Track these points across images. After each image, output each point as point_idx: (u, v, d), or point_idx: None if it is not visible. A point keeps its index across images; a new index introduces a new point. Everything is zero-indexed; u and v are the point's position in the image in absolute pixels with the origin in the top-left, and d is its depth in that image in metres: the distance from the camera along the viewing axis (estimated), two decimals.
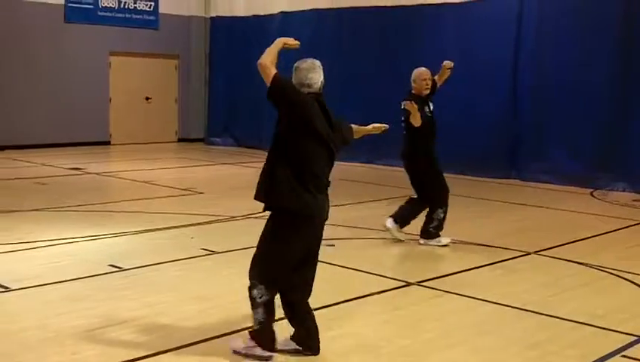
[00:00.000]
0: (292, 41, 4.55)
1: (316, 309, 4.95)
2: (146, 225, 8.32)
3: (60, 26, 16.94)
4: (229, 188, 11.45)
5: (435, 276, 6.57)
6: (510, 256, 7.38)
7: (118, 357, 4.49)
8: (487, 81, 13.47)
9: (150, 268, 6.60)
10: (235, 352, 4.55)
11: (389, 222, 7.85)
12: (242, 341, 4.59)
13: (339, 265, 6.75)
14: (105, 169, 13.78)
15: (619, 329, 5.19)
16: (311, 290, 4.61)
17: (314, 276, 4.63)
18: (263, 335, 4.50)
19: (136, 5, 18.18)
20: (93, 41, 17.39)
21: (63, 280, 6.11)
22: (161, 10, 18.57)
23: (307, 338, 4.56)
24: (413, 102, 7.26)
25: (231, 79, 18.17)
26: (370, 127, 5.21)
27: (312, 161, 4.41)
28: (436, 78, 7.88)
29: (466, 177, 12.82)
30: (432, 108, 7.69)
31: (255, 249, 4.57)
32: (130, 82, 18.24)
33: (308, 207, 4.40)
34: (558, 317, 5.44)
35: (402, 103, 7.31)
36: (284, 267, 4.48)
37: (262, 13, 17.75)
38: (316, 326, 4.59)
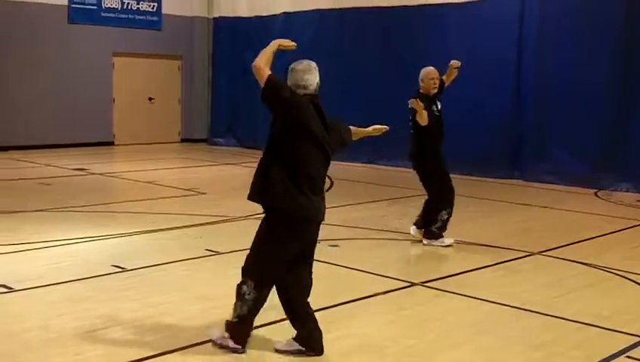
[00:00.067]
0: (287, 43, 4.56)
1: (320, 310, 4.95)
2: (150, 226, 8.32)
3: (64, 27, 16.96)
4: (232, 189, 11.43)
5: (438, 276, 6.56)
6: (514, 257, 7.37)
7: (122, 357, 4.48)
8: (490, 81, 13.45)
9: (154, 268, 6.60)
10: (211, 341, 4.65)
11: (413, 230, 7.88)
12: (218, 329, 4.67)
13: (342, 266, 6.74)
14: (108, 169, 13.79)
15: (624, 330, 5.17)
16: (309, 290, 4.61)
17: (310, 276, 4.62)
18: (238, 329, 4.55)
19: (140, 6, 18.20)
20: (97, 41, 17.41)
21: (66, 280, 6.11)
22: (164, 10, 18.58)
23: (310, 339, 4.55)
24: (418, 100, 7.24)
25: (234, 80, 18.16)
26: (370, 128, 5.20)
27: (307, 163, 4.41)
28: (444, 77, 7.86)
29: (469, 177, 12.80)
30: (439, 107, 7.67)
31: (250, 247, 4.59)
32: (134, 83, 18.26)
33: (302, 209, 4.39)
34: (562, 318, 5.42)
35: (409, 102, 7.28)
36: (276, 267, 4.50)
37: (264, 14, 17.76)
38: (318, 327, 4.58)
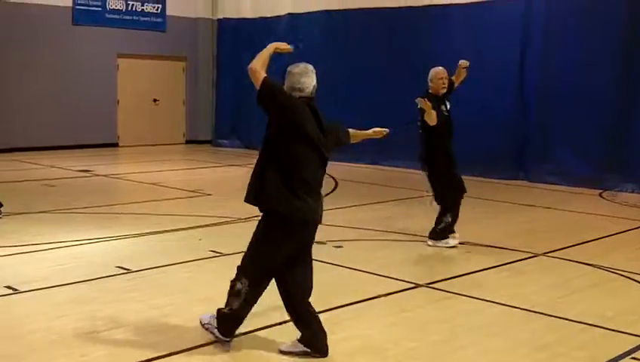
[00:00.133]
0: (284, 46, 4.60)
1: (324, 311, 4.95)
2: (154, 227, 8.33)
3: (68, 29, 17.00)
4: (237, 190, 11.34)
5: (442, 278, 6.55)
6: (518, 258, 7.35)
7: (127, 358, 4.49)
8: (495, 81, 13.43)
9: (158, 269, 6.61)
10: (200, 321, 4.73)
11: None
12: (211, 314, 4.70)
13: (346, 267, 6.74)
14: (113, 171, 13.81)
15: (629, 331, 5.16)
16: (309, 291, 4.61)
17: (308, 277, 4.62)
18: (227, 320, 4.60)
19: (144, 7, 18.23)
20: (101, 43, 17.44)
21: (71, 282, 6.13)
22: (169, 12, 18.61)
23: (315, 340, 4.55)
24: (426, 100, 7.23)
25: (238, 81, 18.16)
26: (370, 131, 5.20)
27: (302, 166, 4.42)
28: (453, 78, 7.86)
29: (473, 178, 12.77)
30: (449, 107, 7.66)
31: (246, 247, 4.62)
32: (138, 84, 18.29)
33: (299, 211, 4.41)
34: (567, 319, 5.41)
35: (417, 101, 7.26)
36: (271, 268, 4.53)
37: (269, 15, 17.77)
38: (323, 328, 4.58)
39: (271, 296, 4.68)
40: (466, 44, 13.56)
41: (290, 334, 4.67)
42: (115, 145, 18.03)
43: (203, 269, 6.71)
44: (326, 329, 4.60)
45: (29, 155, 15.60)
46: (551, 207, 10.58)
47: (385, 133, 5.21)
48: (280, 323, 4.96)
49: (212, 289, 6.02)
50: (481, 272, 6.82)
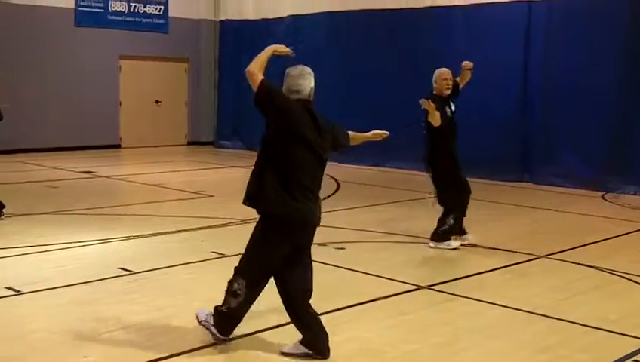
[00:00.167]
0: (282, 49, 4.63)
1: (326, 313, 4.94)
2: (156, 229, 8.33)
3: (71, 30, 17.02)
4: (239, 191, 11.32)
5: (444, 280, 6.54)
6: (521, 260, 7.34)
7: (128, 360, 4.49)
8: (498, 83, 13.41)
9: (160, 271, 6.61)
10: (197, 319, 4.74)
11: (462, 239, 7.85)
12: (208, 311, 4.71)
13: (348, 268, 6.73)
14: (115, 172, 13.82)
15: (631, 334, 5.15)
16: (309, 293, 4.60)
17: (308, 278, 4.61)
18: (224, 319, 4.61)
19: (146, 9, 18.24)
20: (104, 44, 17.46)
21: (73, 283, 6.13)
22: (171, 13, 18.64)
23: (316, 342, 4.55)
24: (429, 100, 7.22)
25: (240, 82, 18.08)
26: (370, 133, 5.19)
27: (300, 168, 4.43)
28: (458, 79, 7.85)
29: (479, 180, 12.76)
30: (453, 108, 7.65)
31: (244, 249, 4.62)
32: (140, 85, 18.30)
33: (297, 212, 4.41)
34: (569, 321, 5.40)
35: (420, 102, 7.25)
36: (269, 269, 4.54)
37: (271, 17, 17.77)
38: (324, 330, 4.57)
39: (272, 297, 4.68)
40: (468, 45, 13.55)
41: (291, 336, 4.66)
42: (118, 146, 18.05)
43: (205, 271, 6.71)
44: (327, 331, 4.59)
45: (32, 156, 15.61)
46: (553, 209, 10.56)
47: (385, 135, 5.19)
48: (281, 325, 4.95)
49: (214, 290, 5.99)
50: (483, 274, 6.80)
